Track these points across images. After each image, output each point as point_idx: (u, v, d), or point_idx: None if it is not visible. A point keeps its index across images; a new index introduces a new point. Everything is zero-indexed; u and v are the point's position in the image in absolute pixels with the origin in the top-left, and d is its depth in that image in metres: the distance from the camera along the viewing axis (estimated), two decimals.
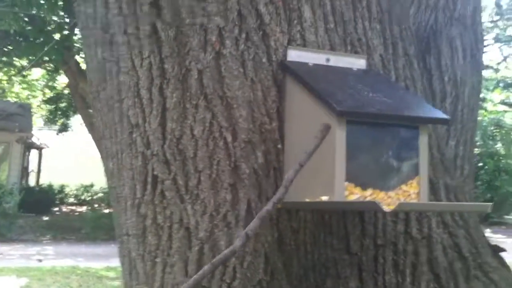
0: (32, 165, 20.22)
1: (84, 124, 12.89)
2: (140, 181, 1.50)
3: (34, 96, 19.35)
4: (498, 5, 14.18)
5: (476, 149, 16.38)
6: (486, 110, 18.68)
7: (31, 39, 10.11)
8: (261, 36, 1.50)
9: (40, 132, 20.25)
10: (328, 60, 1.53)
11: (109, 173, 1.67)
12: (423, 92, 1.76)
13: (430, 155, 1.59)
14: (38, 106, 19.69)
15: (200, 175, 1.44)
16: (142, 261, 1.50)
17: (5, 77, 16.16)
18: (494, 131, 18.22)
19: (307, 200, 1.33)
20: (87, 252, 11.13)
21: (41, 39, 9.94)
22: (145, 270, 1.49)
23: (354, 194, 1.25)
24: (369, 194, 1.27)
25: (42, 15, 9.56)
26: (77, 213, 17.59)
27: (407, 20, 1.81)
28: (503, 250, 1.76)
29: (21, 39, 10.31)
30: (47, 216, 16.13)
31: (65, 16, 10.06)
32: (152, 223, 1.48)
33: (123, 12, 1.53)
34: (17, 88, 18.56)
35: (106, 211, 15.15)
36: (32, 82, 18.16)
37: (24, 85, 18.31)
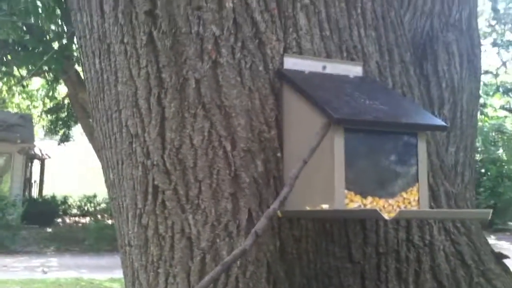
0: (35, 176, 20.22)
1: (84, 134, 12.88)
2: (141, 191, 1.50)
3: (34, 107, 19.39)
4: (495, 9, 14.19)
5: (478, 155, 16.38)
6: (486, 115, 18.67)
7: (30, 48, 10.11)
8: (257, 44, 1.50)
9: (42, 143, 20.27)
10: (324, 67, 1.53)
11: (109, 184, 1.67)
12: (420, 98, 1.75)
13: (430, 162, 1.59)
14: (39, 116, 19.72)
15: (200, 184, 1.44)
16: (145, 271, 1.50)
17: (5, 87, 16.18)
18: (496, 136, 18.20)
19: (308, 208, 1.32)
20: (91, 263, 11.11)
21: (40, 49, 9.94)
22: (148, 281, 1.49)
23: (355, 202, 1.25)
24: (369, 202, 1.26)
25: (41, 24, 9.57)
26: (80, 224, 17.55)
27: (402, 27, 1.81)
28: (506, 257, 1.75)
29: (20, 48, 10.32)
30: (50, 228, 16.09)
31: (64, 25, 10.07)
32: (154, 234, 1.48)
33: (119, 22, 1.53)
34: (17, 98, 18.60)
35: (109, 222, 15.10)
36: (32, 92, 18.20)
37: (24, 95, 18.35)
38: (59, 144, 18.47)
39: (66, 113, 16.62)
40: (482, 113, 17.86)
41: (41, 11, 9.37)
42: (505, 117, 18.98)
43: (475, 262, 1.61)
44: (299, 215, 1.44)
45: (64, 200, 20.15)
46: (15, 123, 16.03)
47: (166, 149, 1.46)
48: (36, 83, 17.48)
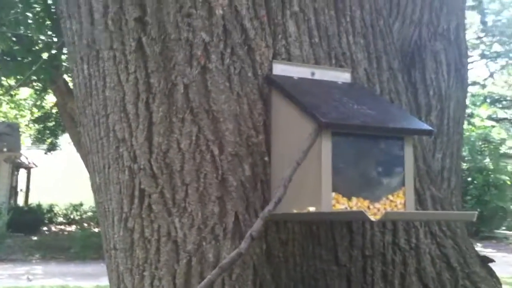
0: (21, 185, 20.07)
1: (72, 143, 12.83)
2: (127, 195, 1.50)
3: (22, 116, 19.28)
4: (483, 22, 14.41)
5: (464, 164, 16.50)
6: (474, 125, 18.84)
7: (19, 58, 10.09)
8: (247, 51, 1.51)
9: (29, 152, 20.14)
10: (313, 74, 1.54)
11: (96, 188, 1.67)
12: (407, 105, 1.77)
13: (416, 167, 1.61)
14: (26, 125, 19.61)
15: (187, 188, 1.44)
16: (130, 275, 1.50)
17: None
18: (482, 146, 18.37)
19: (295, 211, 1.33)
20: (77, 271, 11.04)
21: (29, 59, 9.92)
22: (133, 284, 1.48)
23: (341, 204, 1.26)
24: (355, 204, 1.27)
25: (30, 35, 9.56)
26: (66, 232, 17.45)
27: (391, 35, 1.83)
28: (491, 260, 1.77)
29: (8, 58, 10.29)
30: (36, 236, 15.98)
31: (53, 35, 10.05)
32: (140, 237, 1.48)
33: (109, 28, 1.54)
34: (5, 107, 18.48)
35: (96, 230, 15.04)
36: (20, 101, 18.10)
37: (12, 105, 18.24)
38: (46, 153, 18.38)
39: (53, 123, 16.56)
40: (469, 123, 18.04)
41: (31, 21, 9.36)
42: (492, 126, 19.16)
43: (461, 265, 1.63)
44: (286, 218, 1.45)
45: (50, 209, 20.04)
46: (2, 131, 15.97)
47: (153, 153, 1.47)
48: (24, 93, 17.39)
